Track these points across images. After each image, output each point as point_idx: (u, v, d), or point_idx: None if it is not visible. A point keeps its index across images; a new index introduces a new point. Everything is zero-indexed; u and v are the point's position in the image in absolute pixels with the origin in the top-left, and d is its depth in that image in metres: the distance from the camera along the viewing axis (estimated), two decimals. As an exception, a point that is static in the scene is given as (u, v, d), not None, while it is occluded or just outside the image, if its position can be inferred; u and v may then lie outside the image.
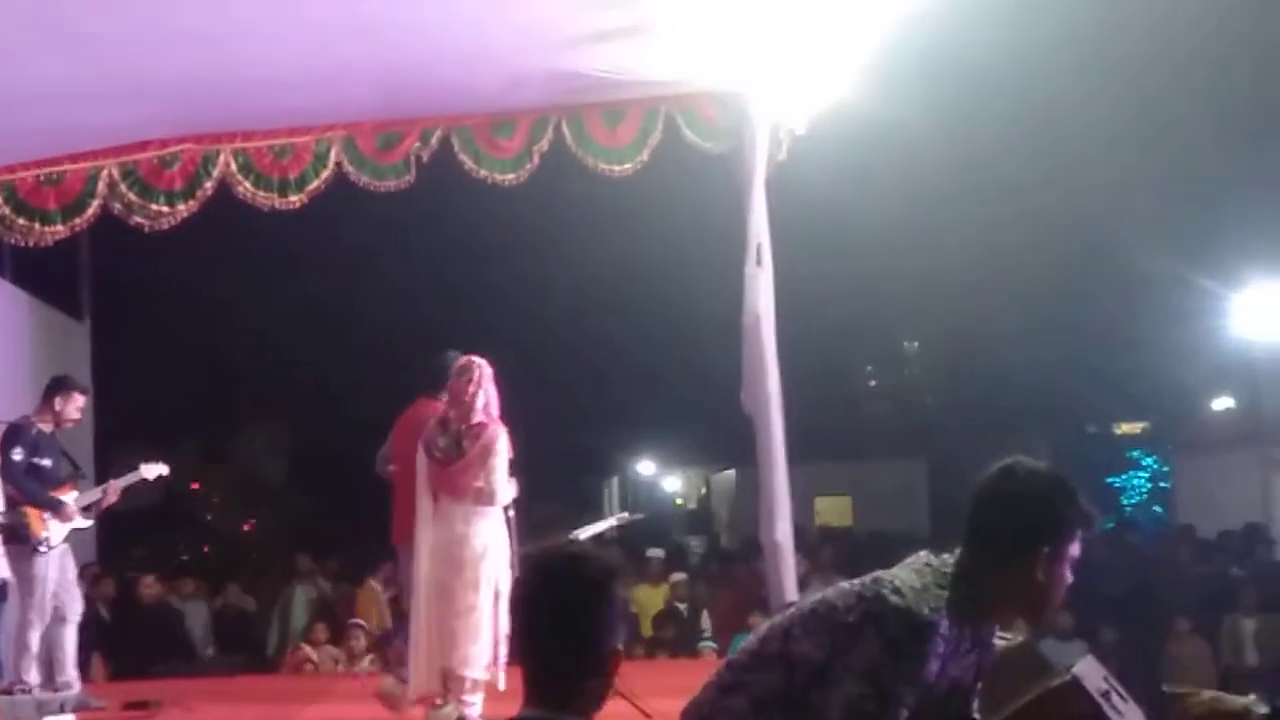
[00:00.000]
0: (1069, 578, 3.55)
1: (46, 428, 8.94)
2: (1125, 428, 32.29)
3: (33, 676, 8.70)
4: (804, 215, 10.97)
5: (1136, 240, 19.23)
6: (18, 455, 8.68)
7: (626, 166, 10.04)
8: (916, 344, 29.75)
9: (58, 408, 8.98)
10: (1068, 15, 14.26)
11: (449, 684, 7.69)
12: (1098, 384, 24.65)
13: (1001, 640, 3.88)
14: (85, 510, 8.99)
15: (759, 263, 9.45)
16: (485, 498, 7.80)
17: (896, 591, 3.48)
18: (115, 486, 9.22)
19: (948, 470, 27.57)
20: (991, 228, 19.97)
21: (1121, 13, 14.65)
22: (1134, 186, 19.32)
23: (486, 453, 7.80)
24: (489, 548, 7.82)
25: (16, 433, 8.79)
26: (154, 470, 9.33)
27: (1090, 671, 3.91)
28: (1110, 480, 31.01)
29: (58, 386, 9.10)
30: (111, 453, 12.61)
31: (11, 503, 8.65)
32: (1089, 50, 15.98)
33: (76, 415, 9.23)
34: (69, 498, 8.81)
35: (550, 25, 8.52)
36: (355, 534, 16.16)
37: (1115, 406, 29.35)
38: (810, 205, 12.44)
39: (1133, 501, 31.10)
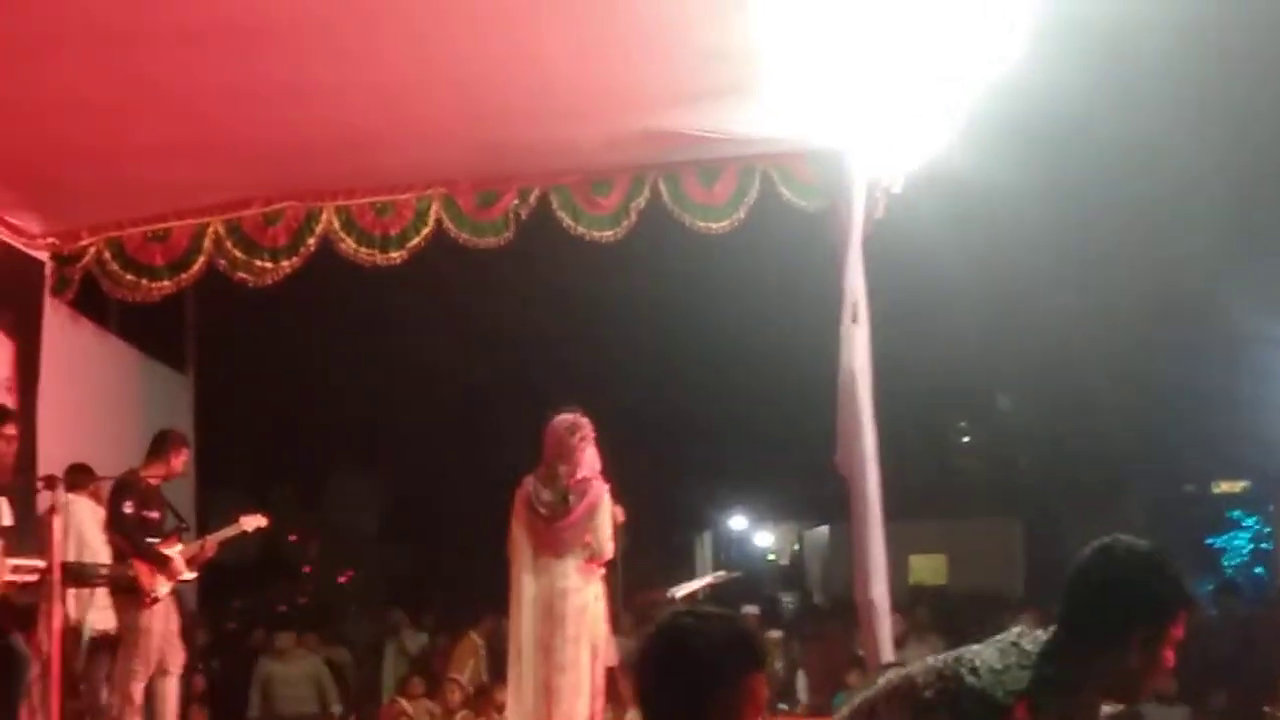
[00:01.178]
0: (1169, 659, 3.49)
1: (154, 480, 9.09)
2: (1225, 487, 31.74)
3: (135, 728, 8.83)
4: (898, 272, 10.96)
5: (1236, 298, 18.99)
6: (127, 508, 8.83)
7: (723, 224, 10.06)
8: (1011, 401, 29.47)
9: (164, 461, 9.14)
10: (1167, 71, 14.19)
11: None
12: (1196, 443, 24.32)
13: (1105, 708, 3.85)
14: (188, 563, 9.12)
15: (855, 320, 9.43)
16: (591, 554, 7.86)
17: (974, 672, 3.46)
18: (215, 540, 9.34)
19: (1043, 529, 27.30)
20: (1088, 284, 19.83)
21: (1225, 68, 14.54)
22: (1235, 243, 19.12)
23: (593, 509, 7.86)
24: (590, 604, 7.86)
25: (124, 486, 8.95)
26: (253, 523, 9.44)
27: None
28: (1210, 541, 30.48)
29: (165, 441, 9.26)
30: (212, 503, 12.78)
31: (120, 555, 8.81)
32: (1189, 108, 15.87)
33: (181, 469, 9.39)
34: (174, 550, 8.94)
35: (649, 85, 8.59)
36: (453, 586, 16.25)
37: (1214, 465, 28.91)
38: (904, 262, 12.43)
39: (1234, 563, 30.51)
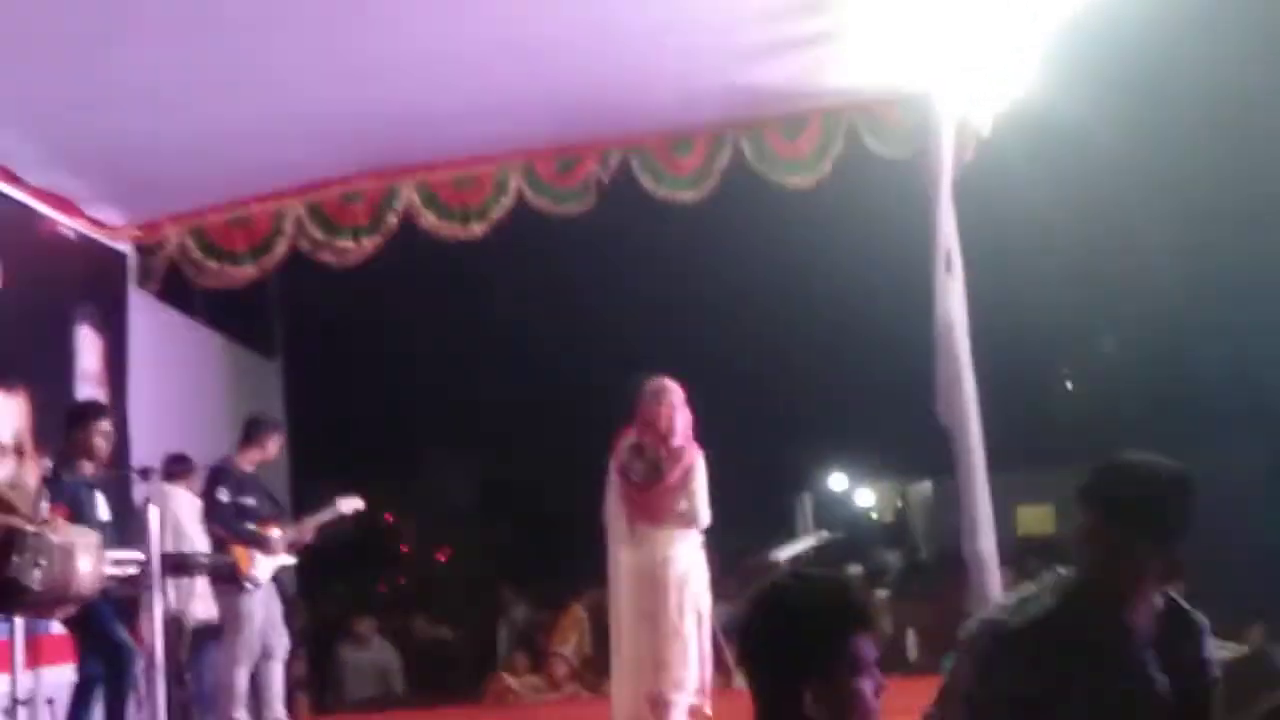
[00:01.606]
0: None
1: (248, 467, 9.18)
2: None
3: (241, 715, 8.93)
4: (991, 217, 10.84)
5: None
6: (224, 496, 8.94)
7: (809, 178, 10.00)
8: (1113, 345, 29.09)
9: (258, 447, 9.23)
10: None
11: (657, 710, 7.68)
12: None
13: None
14: (287, 548, 9.21)
15: (949, 269, 9.34)
16: (688, 521, 7.82)
17: (994, 606, 3.50)
18: (312, 523, 9.42)
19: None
20: (1186, 224, 19.52)
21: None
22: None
23: (688, 475, 7.82)
24: (691, 571, 7.83)
25: (220, 474, 9.05)
26: (350, 504, 9.50)
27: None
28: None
29: (256, 426, 9.34)
30: (306, 488, 12.88)
31: (219, 543, 8.91)
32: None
33: (275, 453, 9.48)
34: (272, 536, 9.03)
35: (725, 40, 8.55)
36: (554, 559, 16.29)
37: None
38: (997, 207, 12.28)
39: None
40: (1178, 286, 21.13)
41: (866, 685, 2.81)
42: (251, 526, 8.97)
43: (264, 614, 9.02)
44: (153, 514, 7.29)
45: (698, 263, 18.33)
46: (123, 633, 7.58)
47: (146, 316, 11.04)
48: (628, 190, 10.15)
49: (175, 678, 8.06)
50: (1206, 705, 3.51)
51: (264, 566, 8.99)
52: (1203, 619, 3.68)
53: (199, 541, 9.08)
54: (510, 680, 12.55)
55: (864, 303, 19.21)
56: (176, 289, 11.35)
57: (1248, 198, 19.09)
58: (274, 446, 9.40)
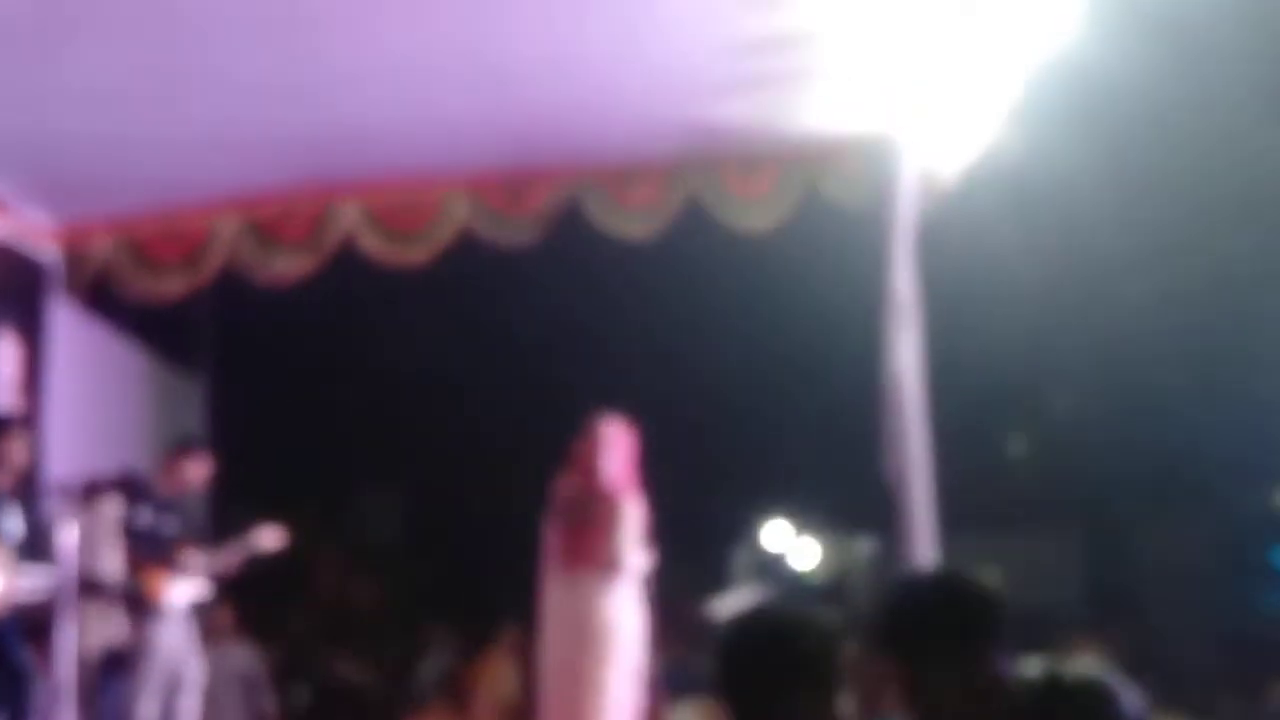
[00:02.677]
0: None
1: (169, 490, 9.15)
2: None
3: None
4: (951, 271, 10.92)
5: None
6: (138, 518, 8.90)
7: (765, 221, 10.04)
8: (1071, 405, 29.24)
9: (179, 470, 9.20)
10: (1235, 48, 14.06)
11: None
12: (1268, 450, 24.10)
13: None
14: (203, 577, 9.17)
15: (903, 322, 9.38)
16: (613, 566, 7.81)
17: None
18: (231, 553, 9.39)
19: (1105, 541, 27.13)
20: (1151, 278, 19.69)
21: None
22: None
23: (615, 519, 7.81)
24: (618, 620, 7.82)
25: (138, 495, 9.02)
26: (270, 536, 9.49)
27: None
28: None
29: (180, 449, 9.32)
30: (228, 514, 12.81)
31: (133, 566, 8.87)
32: (1266, 83, 15.71)
33: (199, 477, 9.45)
34: (188, 563, 9.00)
35: (684, 75, 8.60)
36: (484, 600, 16.24)
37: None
38: (957, 260, 12.37)
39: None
40: (1143, 344, 21.28)
41: None
42: (165, 553, 8.94)
43: (176, 643, 8.98)
44: (67, 532, 7.25)
45: (646, 304, 18.38)
46: (25, 656, 7.53)
47: (71, 325, 10.98)
48: (577, 224, 10.15)
49: (82, 705, 8.01)
50: None
51: (178, 593, 8.95)
52: None
53: (112, 564, 9.04)
54: (429, 725, 12.52)
55: (816, 352, 19.29)
56: (104, 299, 11.29)
57: (1223, 256, 19.29)
58: (199, 470, 9.38)
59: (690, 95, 8.85)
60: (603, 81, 8.62)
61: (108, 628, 8.98)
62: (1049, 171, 11.55)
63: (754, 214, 10.01)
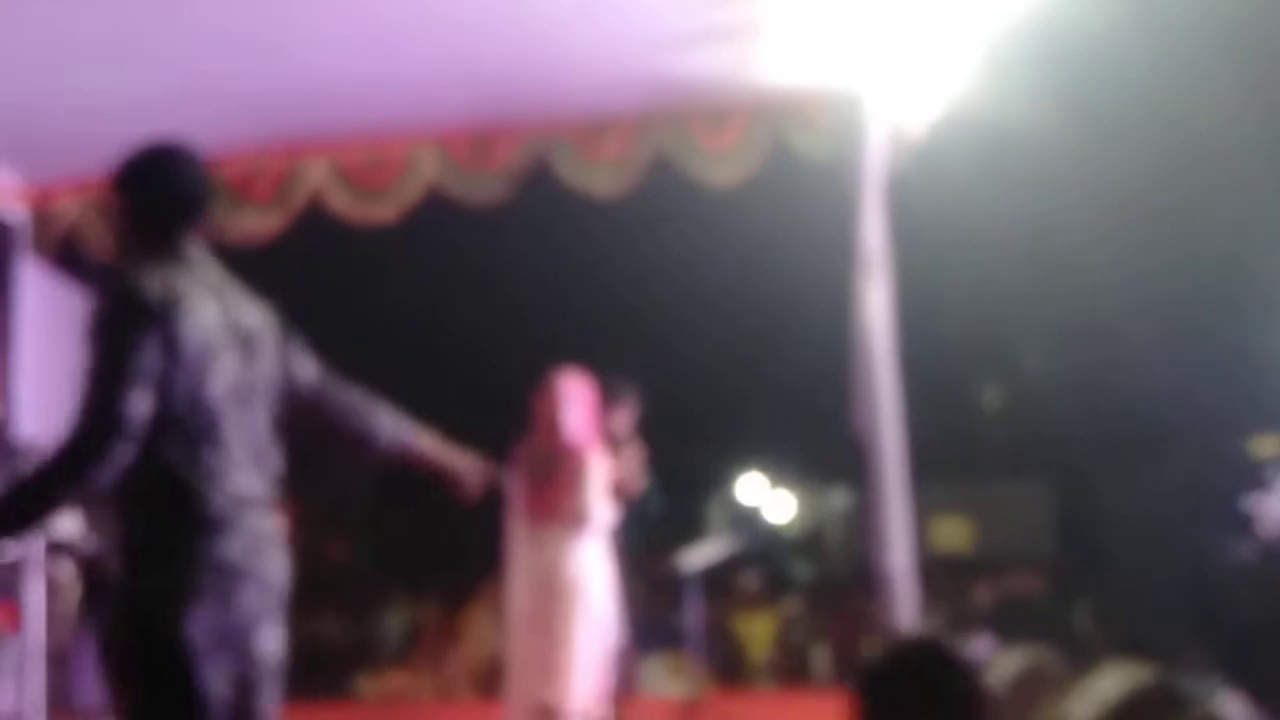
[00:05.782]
0: None
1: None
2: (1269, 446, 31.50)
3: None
4: (922, 224, 10.95)
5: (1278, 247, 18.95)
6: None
7: (733, 174, 10.04)
8: (1042, 358, 29.39)
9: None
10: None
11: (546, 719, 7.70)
12: (1236, 399, 24.24)
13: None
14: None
15: (871, 275, 9.41)
16: (578, 521, 7.84)
17: None
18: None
19: (1075, 491, 27.31)
20: (1121, 232, 19.76)
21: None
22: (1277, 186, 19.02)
23: (576, 473, 7.85)
24: (586, 575, 7.86)
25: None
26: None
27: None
28: (1244, 501, 30.30)
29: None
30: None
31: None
32: (1229, 38, 15.75)
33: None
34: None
35: (649, 27, 8.59)
36: (456, 556, 16.27)
37: (1256, 422, 28.80)
38: (928, 213, 12.41)
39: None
40: (1112, 296, 21.38)
41: None
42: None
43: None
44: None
45: (615, 260, 18.40)
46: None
47: (39, 285, 10.94)
48: (545, 180, 10.14)
49: (55, 666, 8.03)
50: None
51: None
52: None
53: (78, 524, 9.04)
54: (403, 679, 12.55)
55: (787, 306, 19.34)
56: (72, 259, 11.25)
57: (1190, 207, 19.37)
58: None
59: (657, 48, 8.83)
60: (568, 35, 8.60)
61: (79, 589, 8.97)
62: (1018, 124, 11.57)
63: (722, 167, 9.99)
